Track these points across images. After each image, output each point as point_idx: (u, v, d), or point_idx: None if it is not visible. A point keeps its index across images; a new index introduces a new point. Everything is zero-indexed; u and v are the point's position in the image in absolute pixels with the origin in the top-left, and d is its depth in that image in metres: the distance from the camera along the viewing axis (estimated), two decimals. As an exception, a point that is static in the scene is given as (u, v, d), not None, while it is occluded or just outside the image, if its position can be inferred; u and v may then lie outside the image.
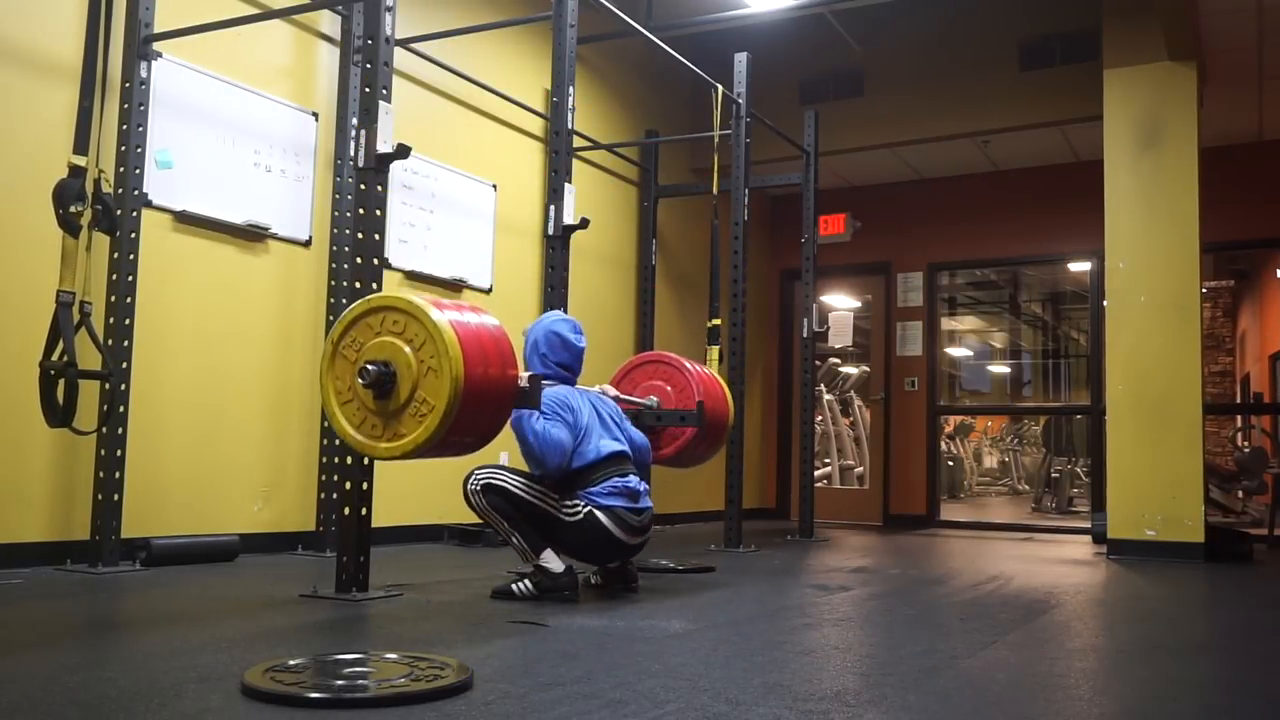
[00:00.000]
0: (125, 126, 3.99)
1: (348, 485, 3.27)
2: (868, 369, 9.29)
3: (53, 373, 3.62)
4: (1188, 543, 5.43)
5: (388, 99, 3.38)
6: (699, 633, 2.82)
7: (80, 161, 3.74)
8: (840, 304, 9.50)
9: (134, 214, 3.98)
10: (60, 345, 3.63)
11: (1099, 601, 3.95)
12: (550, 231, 4.31)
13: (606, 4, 4.96)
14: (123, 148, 3.99)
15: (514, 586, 3.40)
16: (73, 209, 3.66)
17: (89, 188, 3.74)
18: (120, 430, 3.90)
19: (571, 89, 4.37)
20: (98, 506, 3.87)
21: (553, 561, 3.38)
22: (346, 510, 3.27)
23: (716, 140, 5.71)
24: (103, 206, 3.78)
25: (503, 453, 5.93)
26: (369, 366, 2.84)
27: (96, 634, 2.75)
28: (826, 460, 9.73)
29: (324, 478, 4.76)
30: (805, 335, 6.58)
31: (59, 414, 3.63)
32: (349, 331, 2.94)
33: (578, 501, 3.42)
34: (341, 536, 3.30)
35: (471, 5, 5.76)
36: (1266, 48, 5.85)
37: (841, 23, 7.15)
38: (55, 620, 2.91)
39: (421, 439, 2.83)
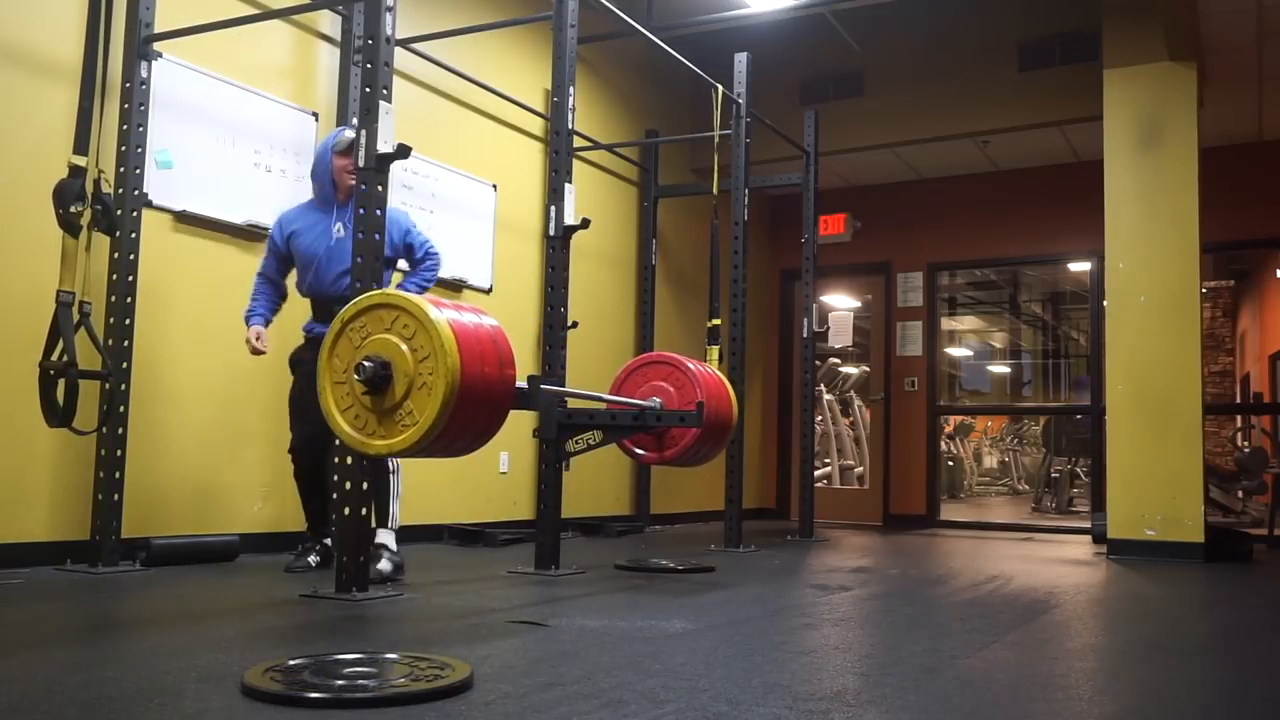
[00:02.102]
0: (125, 126, 3.99)
1: (348, 485, 3.27)
2: (868, 369, 9.29)
3: (52, 373, 3.62)
4: (1187, 543, 5.43)
5: (388, 99, 3.38)
6: (699, 633, 2.82)
7: (80, 162, 3.74)
8: (840, 304, 9.51)
9: (134, 214, 3.98)
10: (60, 345, 3.63)
11: (1099, 601, 3.95)
12: (550, 231, 4.31)
13: (606, 4, 4.96)
14: (123, 148, 3.98)
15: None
16: (73, 209, 3.67)
17: (89, 188, 3.74)
18: (120, 430, 3.90)
19: (571, 89, 4.37)
20: (98, 506, 3.87)
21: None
22: (346, 510, 3.27)
23: (716, 140, 5.71)
24: (102, 207, 3.78)
25: (503, 453, 5.93)
26: (366, 362, 2.83)
27: (96, 634, 2.75)
28: (826, 460, 9.74)
29: (324, 478, 4.76)
30: (805, 335, 6.58)
31: (59, 414, 3.63)
32: (361, 315, 2.93)
33: None
34: (341, 536, 3.30)
35: (471, 5, 5.76)
36: (1266, 48, 5.85)
37: (841, 23, 7.15)
38: (55, 620, 2.91)
39: (399, 447, 2.83)
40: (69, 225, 3.68)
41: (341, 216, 3.99)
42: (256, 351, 4.02)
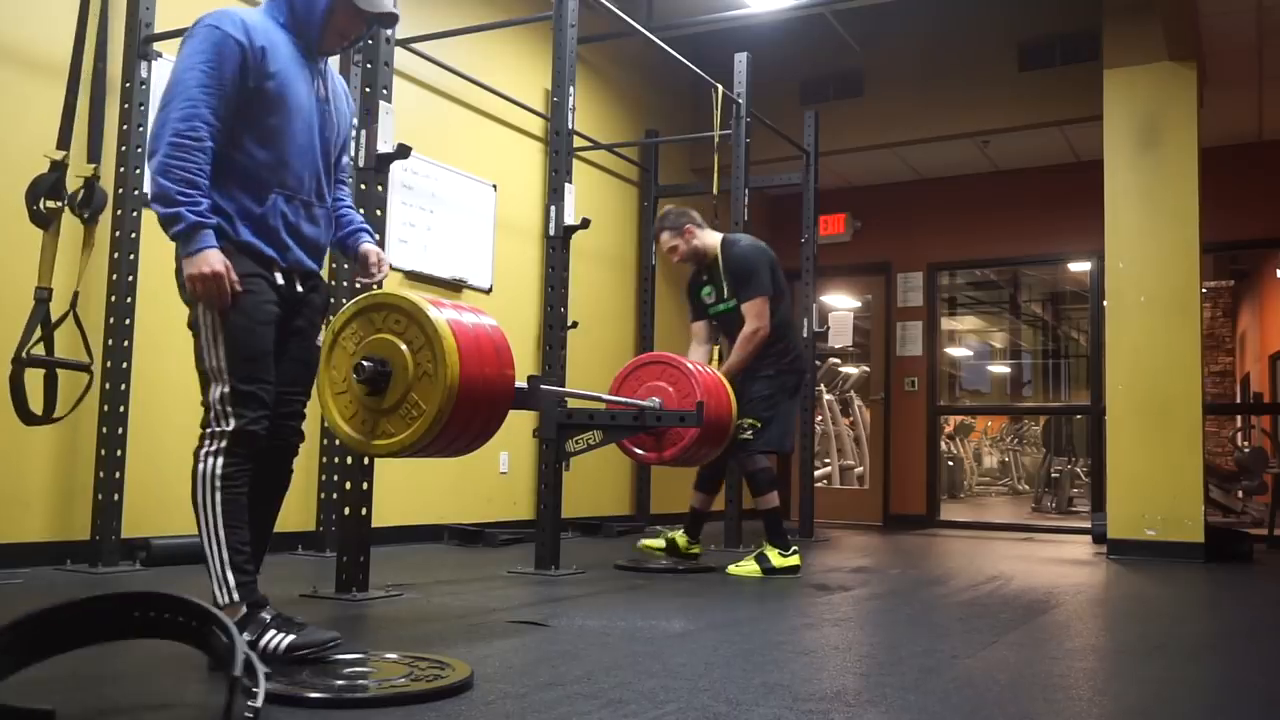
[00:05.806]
0: (125, 126, 3.99)
1: (348, 485, 3.27)
2: (868, 369, 9.29)
3: (26, 355, 3.58)
4: (1188, 543, 5.42)
5: (388, 99, 3.38)
6: (699, 633, 2.82)
7: (57, 156, 3.73)
8: (840, 304, 9.50)
9: (134, 214, 3.98)
10: (35, 338, 3.63)
11: (1099, 601, 3.95)
12: (550, 231, 4.31)
13: (606, 4, 4.96)
14: (123, 148, 3.98)
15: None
16: (45, 204, 3.66)
17: (68, 181, 3.73)
18: (120, 430, 3.89)
19: (571, 89, 4.37)
20: (98, 506, 3.87)
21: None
22: (346, 510, 3.27)
23: (716, 140, 5.71)
24: (85, 192, 3.76)
25: (503, 453, 5.93)
26: (365, 363, 2.83)
27: (96, 634, 2.75)
28: (826, 460, 9.73)
29: (324, 478, 4.76)
30: (805, 335, 6.57)
31: (30, 411, 3.59)
32: (351, 323, 2.93)
33: None
34: (341, 536, 3.31)
35: (471, 5, 5.76)
36: (1266, 48, 5.85)
37: (841, 23, 7.14)
38: (55, 620, 2.91)
39: (409, 440, 2.83)
40: (40, 220, 3.67)
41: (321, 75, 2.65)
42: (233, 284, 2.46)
